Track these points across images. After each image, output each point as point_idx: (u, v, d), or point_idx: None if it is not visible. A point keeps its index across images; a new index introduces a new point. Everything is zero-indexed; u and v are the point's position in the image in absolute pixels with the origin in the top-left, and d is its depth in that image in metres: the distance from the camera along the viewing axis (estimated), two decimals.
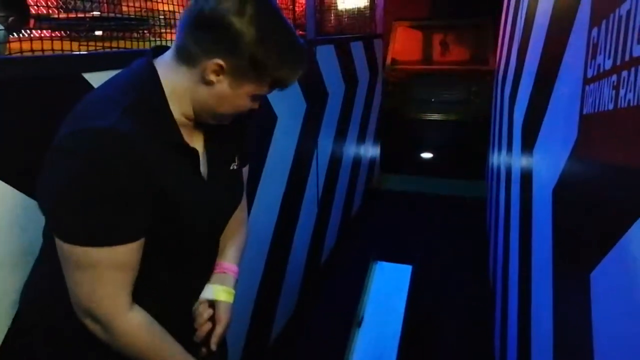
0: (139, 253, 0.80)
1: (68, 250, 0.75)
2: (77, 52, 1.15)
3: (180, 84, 0.83)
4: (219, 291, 1.00)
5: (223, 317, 0.98)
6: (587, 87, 0.84)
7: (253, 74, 0.81)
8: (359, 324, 2.08)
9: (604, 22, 0.76)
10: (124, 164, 0.73)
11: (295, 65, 0.85)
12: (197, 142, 0.92)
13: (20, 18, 2.71)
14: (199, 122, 0.89)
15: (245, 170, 1.08)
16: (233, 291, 1.03)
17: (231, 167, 0.99)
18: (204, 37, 0.79)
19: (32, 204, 0.94)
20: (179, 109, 0.84)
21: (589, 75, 0.83)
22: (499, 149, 2.98)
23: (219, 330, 0.97)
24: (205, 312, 0.97)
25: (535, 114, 1.50)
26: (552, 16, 1.36)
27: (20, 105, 0.93)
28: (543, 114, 1.34)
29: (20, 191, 0.92)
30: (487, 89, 5.56)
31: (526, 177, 1.62)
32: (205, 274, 1.02)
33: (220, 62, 0.79)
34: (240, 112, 0.88)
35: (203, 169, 0.92)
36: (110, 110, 0.75)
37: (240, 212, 1.09)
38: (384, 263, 2.58)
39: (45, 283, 0.87)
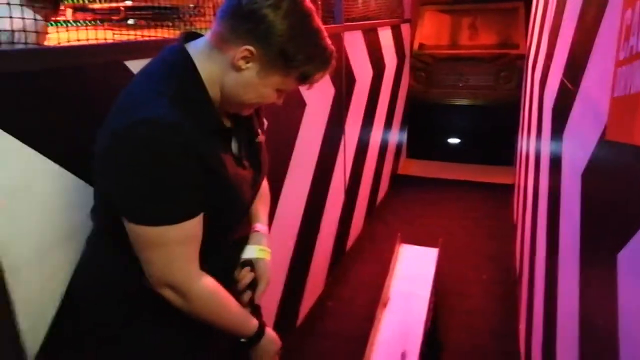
0: (201, 226, 0.88)
1: (140, 232, 0.83)
2: (119, 41, 1.20)
3: (212, 69, 0.88)
4: (257, 250, 1.10)
5: (264, 274, 1.08)
6: (618, 70, 0.84)
7: (281, 65, 0.87)
8: (385, 305, 2.12)
9: (638, 3, 0.76)
10: (179, 149, 0.79)
11: (322, 64, 0.90)
12: (226, 121, 0.98)
13: (53, 7, 2.82)
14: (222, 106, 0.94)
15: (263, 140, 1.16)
16: (268, 249, 1.12)
17: (257, 140, 1.06)
18: (239, 25, 0.84)
19: (82, 184, 1.00)
20: (211, 94, 0.90)
21: (621, 57, 0.83)
22: (529, 134, 2.94)
23: (262, 286, 1.07)
24: (247, 276, 1.06)
25: (565, 98, 1.49)
26: None
27: (68, 92, 0.99)
28: (573, 97, 1.33)
29: (70, 172, 0.98)
30: (517, 73, 5.45)
31: (555, 161, 1.61)
32: (243, 238, 1.11)
33: (251, 48, 0.84)
34: (263, 103, 0.95)
35: (234, 146, 0.99)
36: (157, 101, 0.81)
37: (264, 181, 1.19)
38: (410, 246, 2.61)
39: (98, 264, 0.95)
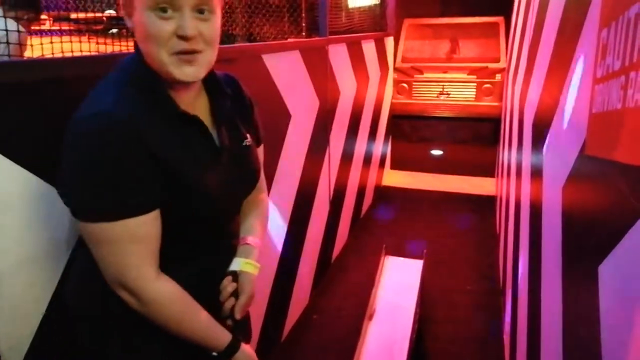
0: (153, 226, 0.85)
1: (87, 230, 0.82)
2: (102, 54, 1.20)
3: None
4: (242, 263, 1.04)
5: (246, 287, 1.02)
6: (596, 87, 0.87)
7: None
8: (371, 318, 2.11)
9: (613, 23, 0.79)
10: (121, 141, 0.78)
11: None
12: (202, 115, 0.94)
13: (35, 15, 2.80)
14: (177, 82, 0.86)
15: (261, 150, 1.12)
16: (257, 264, 1.07)
17: (244, 143, 1.02)
18: None
19: None
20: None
21: (599, 75, 0.85)
22: (510, 147, 2.99)
23: (242, 300, 1.00)
24: (229, 286, 1.00)
25: (545, 113, 1.53)
26: (563, 16, 1.38)
27: (49, 104, 0.98)
28: (553, 112, 1.36)
29: (52, 185, 0.97)
30: (497, 86, 5.56)
31: (536, 174, 1.64)
32: (226, 251, 1.06)
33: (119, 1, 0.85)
34: (164, 43, 0.81)
35: (215, 138, 0.95)
36: (106, 95, 0.81)
37: (260, 193, 1.14)
38: (395, 258, 2.62)
39: (86, 271, 0.92)
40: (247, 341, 1.07)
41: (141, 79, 0.85)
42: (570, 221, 1.08)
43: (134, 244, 0.83)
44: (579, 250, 0.97)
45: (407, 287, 2.33)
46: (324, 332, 2.48)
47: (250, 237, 1.09)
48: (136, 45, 0.88)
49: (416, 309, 2.18)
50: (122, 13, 0.86)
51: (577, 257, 0.98)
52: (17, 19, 2.57)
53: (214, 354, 0.95)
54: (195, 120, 0.91)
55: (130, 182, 0.80)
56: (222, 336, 0.96)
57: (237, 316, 1.00)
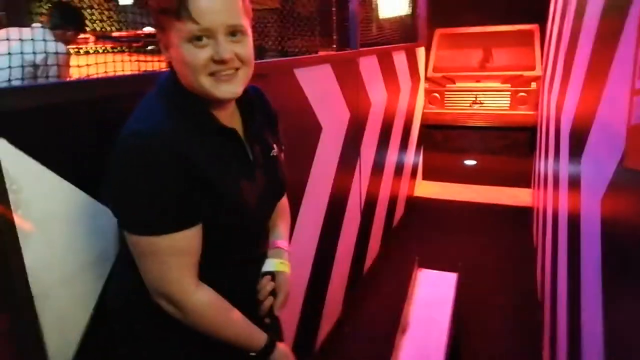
0: (196, 238, 0.89)
1: (134, 241, 0.86)
2: (144, 72, 1.25)
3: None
4: (277, 263, 1.11)
5: (283, 286, 1.08)
6: (635, 99, 0.85)
7: (165, 19, 0.85)
8: (404, 331, 2.09)
9: None
10: (168, 159, 0.81)
11: None
12: (237, 129, 0.97)
13: (77, 30, 2.92)
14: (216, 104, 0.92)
15: (282, 157, 1.16)
16: (288, 263, 1.13)
17: (271, 154, 1.06)
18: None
19: (104, 210, 1.04)
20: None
21: (638, 86, 0.84)
22: (546, 157, 2.92)
23: (281, 297, 1.07)
24: (268, 285, 1.06)
25: (583, 123, 1.49)
26: (600, 25, 1.35)
27: (96, 121, 1.03)
28: (591, 122, 1.33)
29: (95, 198, 1.02)
30: (533, 95, 5.44)
31: (574, 185, 1.60)
32: (260, 254, 1.11)
33: (155, 31, 0.89)
34: (204, 69, 0.85)
35: (249, 152, 0.98)
36: (150, 113, 0.86)
37: (283, 198, 1.20)
38: (428, 271, 2.58)
39: (128, 283, 0.96)
40: (281, 341, 1.10)
41: (180, 98, 0.89)
42: (610, 234, 1.05)
43: (177, 256, 0.86)
44: (620, 263, 0.94)
45: (441, 301, 2.30)
46: (357, 344, 2.47)
47: (279, 240, 1.16)
48: (170, 65, 0.92)
49: (451, 323, 2.14)
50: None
51: (617, 271, 0.95)
52: (57, 34, 2.69)
53: (252, 354, 0.99)
54: (233, 135, 0.94)
55: (176, 198, 0.83)
56: (259, 337, 1.00)
57: (277, 313, 1.07)
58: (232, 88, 0.89)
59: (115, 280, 1.03)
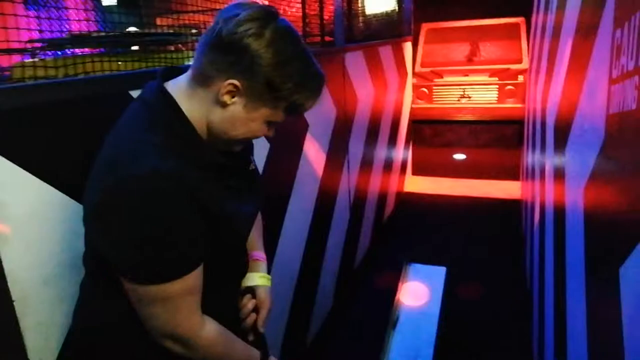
0: (201, 274, 0.85)
1: (143, 291, 0.79)
2: (124, 72, 1.24)
3: (196, 107, 0.84)
4: (256, 278, 1.09)
5: (266, 301, 1.07)
6: (612, 87, 0.85)
7: (268, 97, 0.82)
8: (394, 326, 2.10)
9: (626, 23, 0.78)
10: (175, 202, 0.76)
11: (312, 92, 0.86)
12: (219, 158, 0.92)
13: None
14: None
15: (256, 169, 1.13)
16: (268, 276, 1.12)
17: (250, 168, 1.03)
18: (220, 58, 0.80)
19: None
20: (200, 132, 0.86)
21: (614, 75, 0.84)
22: (533, 149, 2.94)
23: (263, 313, 1.06)
24: (249, 303, 1.04)
25: (566, 114, 1.51)
26: (580, 16, 1.36)
27: (74, 122, 1.02)
28: (573, 113, 1.34)
29: (74, 199, 1.00)
30: (520, 88, 5.48)
31: (559, 176, 1.62)
32: (245, 269, 1.09)
33: (236, 82, 0.79)
34: (253, 138, 0.90)
35: (232, 180, 0.94)
36: (146, 153, 0.76)
37: None
38: (418, 265, 2.60)
39: (94, 310, 0.91)
40: (268, 355, 1.09)
41: (178, 133, 0.83)
42: (592, 222, 1.06)
43: (188, 296, 0.83)
44: (601, 251, 0.95)
45: (431, 294, 2.31)
46: (348, 340, 2.47)
47: (256, 252, 1.13)
48: (165, 92, 0.84)
49: (440, 315, 2.15)
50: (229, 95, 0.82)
51: (599, 259, 0.96)
52: None
53: None
54: (229, 167, 0.92)
55: (188, 239, 0.79)
56: (254, 356, 1.00)
57: (261, 330, 1.05)
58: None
59: (83, 314, 0.94)
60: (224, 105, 0.82)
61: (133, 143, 0.79)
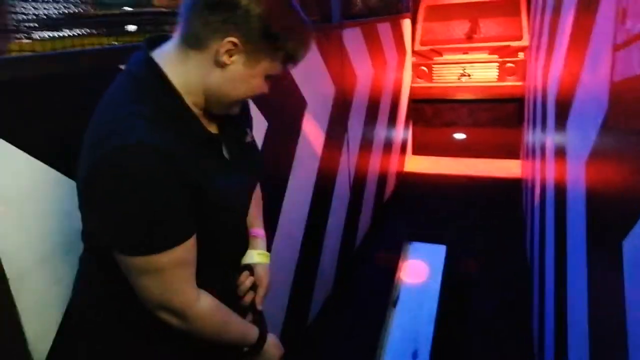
0: (194, 247, 0.84)
1: (132, 262, 0.79)
2: (114, 45, 1.21)
3: (191, 73, 0.83)
4: (254, 255, 1.07)
5: (264, 279, 1.07)
6: (616, 54, 0.83)
7: (267, 48, 0.82)
8: (394, 304, 2.10)
9: None
10: (162, 173, 0.75)
11: (305, 37, 0.86)
12: (212, 127, 0.92)
13: None
14: (207, 111, 0.89)
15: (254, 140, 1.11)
16: (267, 253, 1.10)
17: (246, 140, 1.01)
18: (212, 18, 0.79)
19: None
20: (191, 100, 0.85)
21: (619, 41, 0.82)
22: (534, 126, 2.91)
23: (261, 291, 1.06)
24: (247, 281, 1.03)
25: (567, 88, 1.48)
26: None
27: (65, 98, 0.99)
28: (575, 87, 1.31)
29: (68, 177, 0.99)
30: (521, 65, 5.41)
31: (560, 152, 1.59)
32: (245, 246, 1.08)
33: (234, 39, 0.79)
34: (253, 95, 0.89)
35: (225, 151, 0.93)
36: (132, 126, 0.75)
37: None
38: (418, 244, 2.60)
39: (93, 284, 0.92)
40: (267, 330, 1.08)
41: (166, 104, 0.82)
42: (593, 197, 1.05)
43: (179, 269, 0.82)
44: (602, 226, 0.93)
45: (431, 272, 2.31)
46: (349, 318, 2.49)
47: (254, 229, 1.12)
48: (151, 61, 0.82)
49: (441, 293, 2.16)
50: (227, 55, 0.81)
51: (600, 233, 0.95)
52: None
53: (245, 349, 0.99)
54: (219, 141, 0.91)
55: (175, 212, 0.79)
56: (252, 332, 1.00)
57: (259, 308, 1.05)
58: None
59: (83, 287, 0.95)
60: (223, 65, 0.82)
61: (120, 117, 0.77)
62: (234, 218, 0.96)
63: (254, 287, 1.05)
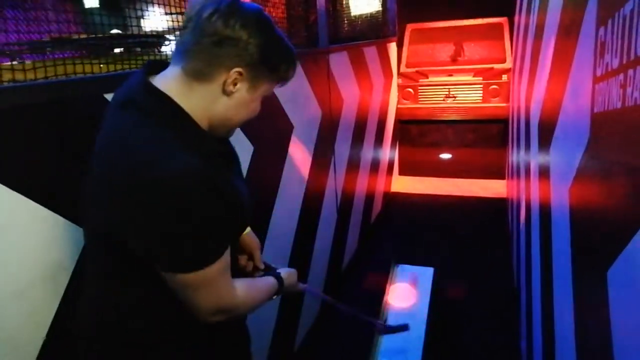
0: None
1: (190, 278, 0.84)
2: (98, 74, 1.20)
3: (197, 104, 0.88)
4: None
5: (251, 242, 1.25)
6: (596, 86, 0.84)
7: (266, 74, 0.91)
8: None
9: (609, 21, 0.77)
10: (208, 194, 0.81)
11: (293, 58, 0.96)
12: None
13: None
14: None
15: None
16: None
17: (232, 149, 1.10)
18: (216, 53, 0.85)
19: (62, 221, 0.99)
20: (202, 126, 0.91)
21: (598, 73, 0.83)
22: (518, 148, 2.95)
23: (257, 253, 1.26)
24: (242, 259, 1.23)
25: (550, 113, 1.50)
26: (562, 14, 1.36)
27: (45, 127, 0.98)
28: (557, 112, 1.34)
29: (53, 211, 0.97)
30: (504, 87, 5.52)
31: (544, 176, 1.61)
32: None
33: (240, 69, 0.87)
34: (252, 117, 0.97)
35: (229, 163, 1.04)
36: (170, 151, 0.80)
37: None
38: (406, 266, 2.59)
39: (115, 309, 0.92)
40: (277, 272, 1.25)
41: (188, 127, 0.87)
42: (578, 222, 1.05)
43: (225, 271, 0.90)
44: (588, 252, 0.94)
45: (419, 295, 2.30)
46: (337, 342, 2.45)
47: None
48: (160, 93, 0.86)
49: (429, 316, 2.14)
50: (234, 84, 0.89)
51: (586, 260, 0.95)
52: None
53: (274, 297, 1.16)
54: (228, 155, 1.03)
55: (220, 224, 0.85)
56: (271, 282, 1.15)
57: (261, 266, 1.26)
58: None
59: (95, 305, 0.94)
60: (229, 93, 0.89)
61: (151, 143, 0.81)
62: (249, 216, 1.03)
63: (248, 256, 1.24)
